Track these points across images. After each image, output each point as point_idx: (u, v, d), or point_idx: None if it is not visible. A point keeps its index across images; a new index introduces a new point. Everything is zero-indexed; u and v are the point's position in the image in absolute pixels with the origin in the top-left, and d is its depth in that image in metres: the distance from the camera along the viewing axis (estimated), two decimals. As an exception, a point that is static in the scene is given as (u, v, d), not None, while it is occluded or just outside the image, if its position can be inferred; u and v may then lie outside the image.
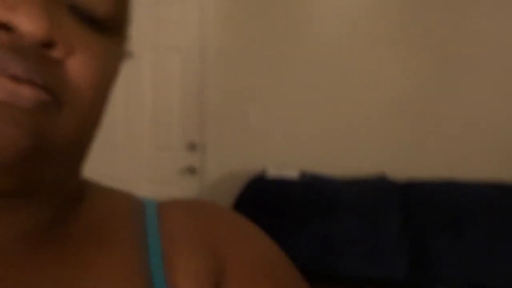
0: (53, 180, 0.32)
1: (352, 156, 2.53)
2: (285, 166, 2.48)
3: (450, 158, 2.45)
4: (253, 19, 2.56)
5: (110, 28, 0.32)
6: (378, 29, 2.48)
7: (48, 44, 0.28)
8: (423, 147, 2.49)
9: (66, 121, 0.29)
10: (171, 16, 2.59)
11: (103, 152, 2.72)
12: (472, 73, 2.45)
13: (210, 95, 2.60)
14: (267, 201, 2.23)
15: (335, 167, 2.49)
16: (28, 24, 0.26)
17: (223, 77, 2.59)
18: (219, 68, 2.59)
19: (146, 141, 2.69)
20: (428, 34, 2.46)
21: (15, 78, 0.26)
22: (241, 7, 2.56)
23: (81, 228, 0.35)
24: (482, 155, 2.42)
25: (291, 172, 2.36)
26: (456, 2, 2.42)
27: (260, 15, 2.55)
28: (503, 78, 2.42)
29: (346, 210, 2.15)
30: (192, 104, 2.63)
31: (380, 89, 2.51)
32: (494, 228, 1.99)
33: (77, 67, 0.29)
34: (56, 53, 0.28)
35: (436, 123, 2.48)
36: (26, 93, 0.27)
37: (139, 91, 2.66)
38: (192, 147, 2.65)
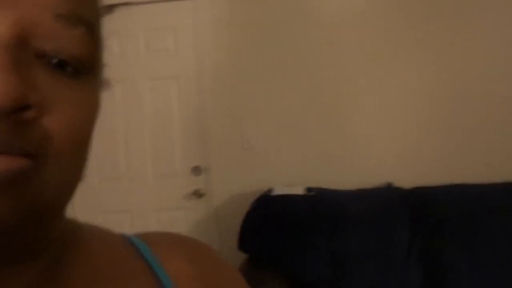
0: (44, 237, 0.32)
1: (358, 168, 2.54)
2: (291, 184, 2.48)
3: (454, 163, 2.45)
4: (248, 40, 2.59)
5: (86, 68, 0.30)
6: (383, 38, 2.50)
7: (20, 109, 0.26)
8: (428, 154, 2.49)
9: (51, 180, 0.28)
10: (166, 44, 2.63)
11: (107, 184, 2.74)
12: (474, 79, 2.47)
13: (210, 118, 2.62)
14: (274, 219, 2.23)
15: (341, 181, 2.49)
16: None
17: (222, 100, 2.62)
18: (217, 91, 2.61)
19: (150, 169, 2.70)
20: (437, 39, 2.47)
21: None
22: (236, 29, 2.60)
23: (85, 274, 0.34)
24: (486, 159, 2.42)
25: (297, 189, 2.36)
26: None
27: (256, 34, 2.58)
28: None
29: (354, 223, 2.13)
30: (193, 129, 2.66)
31: (382, 99, 2.52)
32: (504, 231, 1.97)
33: (56, 123, 0.28)
34: (31, 114, 0.27)
35: (439, 129, 2.48)
36: (2, 166, 0.25)
37: (140, 120, 2.69)
38: (197, 171, 2.66)
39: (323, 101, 2.56)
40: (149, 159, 2.69)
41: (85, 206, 2.75)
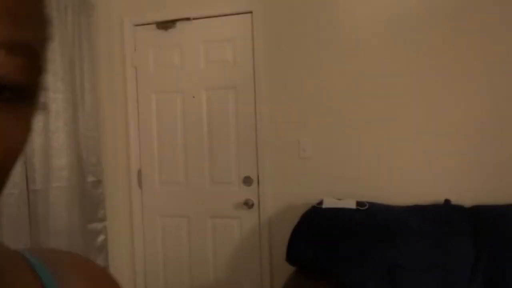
0: None
1: (412, 184, 2.48)
2: (343, 196, 2.47)
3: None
4: (303, 50, 2.62)
5: (24, 94, 0.31)
6: (440, 56, 2.44)
7: None
8: (487, 173, 2.40)
9: None
10: (224, 55, 2.72)
11: (165, 189, 2.85)
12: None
13: (265, 129, 2.67)
14: (326, 231, 2.23)
15: (394, 196, 2.45)
16: None
17: (276, 111, 2.66)
18: (272, 101, 2.66)
19: (207, 176, 2.78)
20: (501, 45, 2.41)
21: None
22: (290, 39, 2.64)
23: None
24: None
25: (348, 202, 2.34)
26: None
27: (309, 45, 2.62)
28: None
29: (412, 236, 2.07)
30: (247, 139, 2.71)
31: (441, 114, 2.46)
32: None
33: None
34: None
35: (501, 146, 2.39)
36: None
37: (198, 128, 2.79)
38: (248, 181, 2.71)
39: (381, 111, 2.53)
40: (207, 166, 2.78)
41: (147, 209, 2.89)
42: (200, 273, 2.81)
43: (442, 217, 2.16)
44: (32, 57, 0.30)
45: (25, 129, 0.32)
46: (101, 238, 2.66)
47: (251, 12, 2.66)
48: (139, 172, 2.89)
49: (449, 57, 2.43)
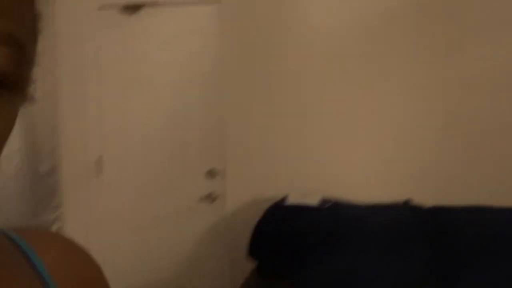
0: None
1: (377, 182, 2.49)
2: (307, 192, 2.44)
3: (477, 185, 2.39)
4: (272, 46, 2.58)
5: (8, 83, 0.31)
6: (397, 51, 2.47)
7: None
8: (449, 173, 2.43)
9: None
10: (190, 47, 2.64)
11: (125, 179, 2.74)
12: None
13: (230, 121, 2.61)
14: (287, 229, 2.20)
15: (359, 193, 2.45)
16: None
17: (243, 104, 2.61)
18: (239, 95, 2.60)
19: (166, 169, 2.70)
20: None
21: None
22: (259, 35, 2.59)
23: None
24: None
25: (312, 199, 2.32)
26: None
27: (274, 41, 2.56)
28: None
29: (368, 241, 2.07)
30: (213, 131, 2.64)
31: (404, 113, 2.48)
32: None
33: None
34: None
35: (463, 148, 2.42)
36: None
37: (158, 119, 2.69)
38: (212, 174, 2.64)
39: (348, 110, 2.52)
40: (170, 158, 2.69)
41: (106, 201, 2.77)
42: (157, 268, 2.71)
43: (401, 218, 2.18)
44: (18, 48, 0.31)
45: (7, 118, 0.32)
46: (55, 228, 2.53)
47: (219, 2, 2.59)
48: (99, 160, 2.76)
49: (401, 62, 2.45)
